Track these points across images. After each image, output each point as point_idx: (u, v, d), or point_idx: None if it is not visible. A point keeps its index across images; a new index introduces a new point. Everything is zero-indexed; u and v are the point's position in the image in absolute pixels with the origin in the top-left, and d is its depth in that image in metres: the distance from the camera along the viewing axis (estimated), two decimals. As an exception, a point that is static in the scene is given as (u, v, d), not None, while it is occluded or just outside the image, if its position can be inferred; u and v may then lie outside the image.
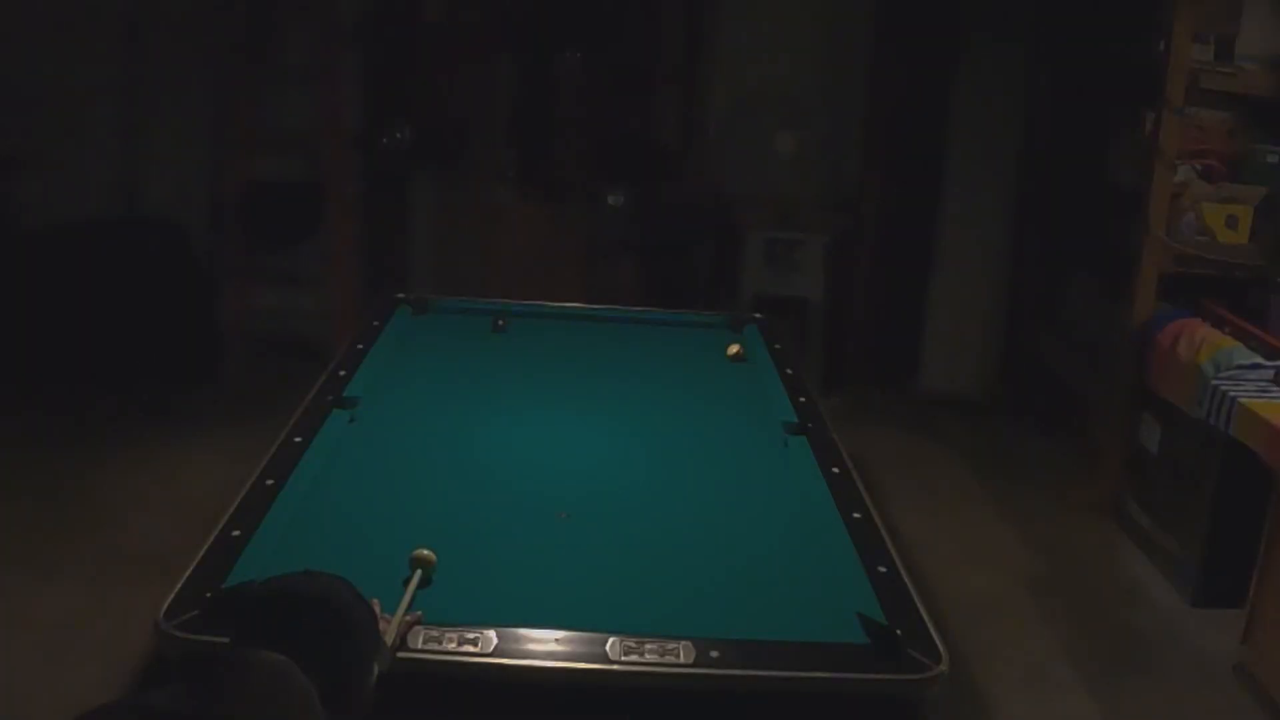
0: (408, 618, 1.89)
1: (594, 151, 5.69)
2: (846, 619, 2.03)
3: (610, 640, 1.89)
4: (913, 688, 1.89)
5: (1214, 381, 3.67)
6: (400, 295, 4.05)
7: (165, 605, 1.92)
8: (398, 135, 5.46)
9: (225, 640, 1.51)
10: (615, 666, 1.86)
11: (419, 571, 2.08)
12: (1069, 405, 5.08)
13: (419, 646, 1.86)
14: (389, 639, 1.78)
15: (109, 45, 5.15)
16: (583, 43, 5.62)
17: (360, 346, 3.45)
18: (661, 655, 1.87)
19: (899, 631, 1.97)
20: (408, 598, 1.97)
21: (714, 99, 5.68)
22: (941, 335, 5.67)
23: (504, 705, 1.90)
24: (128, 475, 4.21)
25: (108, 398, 4.81)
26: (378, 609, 1.83)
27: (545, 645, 1.90)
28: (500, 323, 3.82)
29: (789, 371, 3.46)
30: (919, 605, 2.09)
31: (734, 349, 3.65)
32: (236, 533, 2.21)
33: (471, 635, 1.89)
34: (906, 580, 2.19)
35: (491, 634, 1.89)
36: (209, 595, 1.95)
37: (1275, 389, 3.58)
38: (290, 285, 5.33)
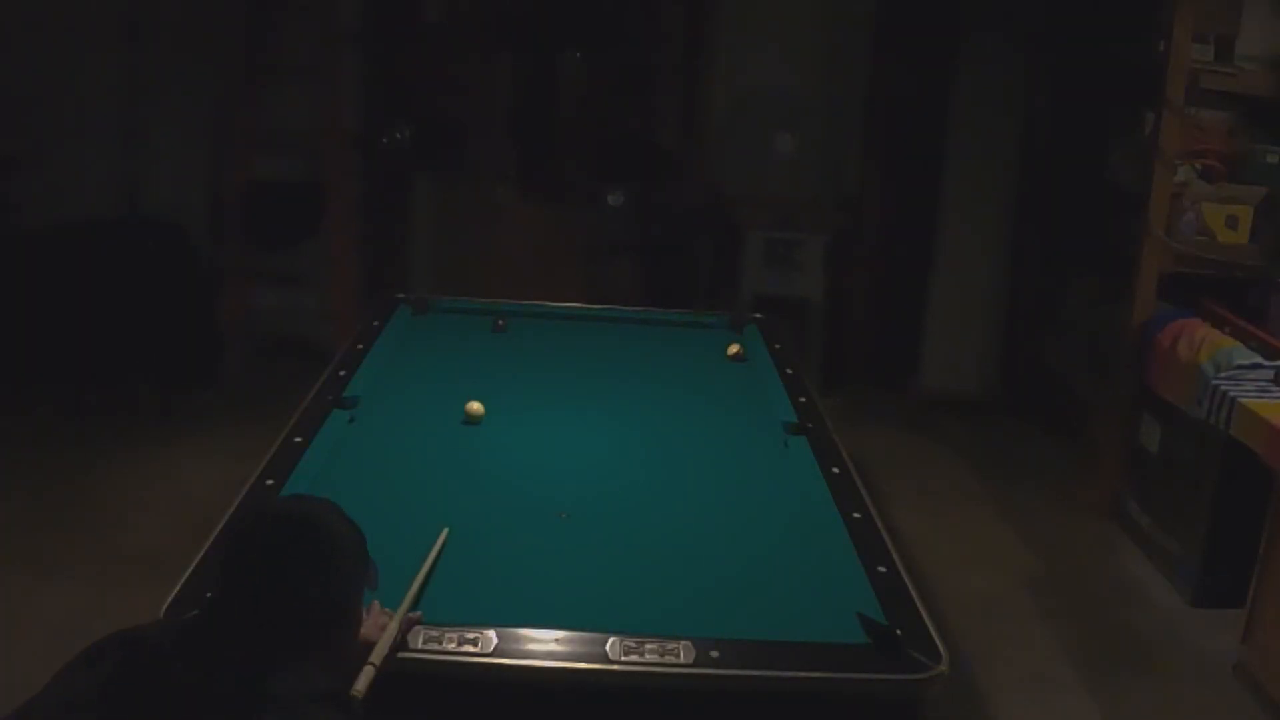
0: (411, 615, 1.88)
1: (594, 151, 5.69)
2: (846, 619, 2.03)
3: (610, 640, 1.89)
4: (913, 688, 1.89)
5: (1214, 381, 3.67)
6: (400, 295, 4.04)
7: (165, 605, 1.92)
8: (398, 135, 5.46)
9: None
10: (615, 666, 1.86)
11: (445, 531, 2.11)
12: (1069, 405, 5.08)
13: (419, 646, 1.86)
14: (394, 626, 1.78)
15: (109, 45, 5.15)
16: (583, 43, 5.63)
17: (360, 346, 3.45)
18: (661, 655, 1.87)
19: (899, 631, 1.97)
20: (434, 556, 2.01)
21: (714, 99, 5.68)
22: (941, 335, 5.67)
23: (504, 705, 1.90)
24: (128, 475, 4.21)
25: (108, 398, 4.82)
26: (376, 609, 1.83)
27: (545, 645, 1.90)
28: (500, 323, 3.82)
29: (789, 371, 3.46)
30: (919, 605, 2.09)
31: (734, 349, 3.65)
32: (236, 533, 2.21)
33: (471, 635, 1.89)
34: (906, 580, 2.19)
35: (491, 634, 1.89)
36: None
37: (1275, 389, 3.58)
38: (290, 285, 5.33)
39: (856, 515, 2.47)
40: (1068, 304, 5.35)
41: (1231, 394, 3.57)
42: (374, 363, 3.34)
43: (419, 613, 1.92)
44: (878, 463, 4.47)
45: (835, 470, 2.71)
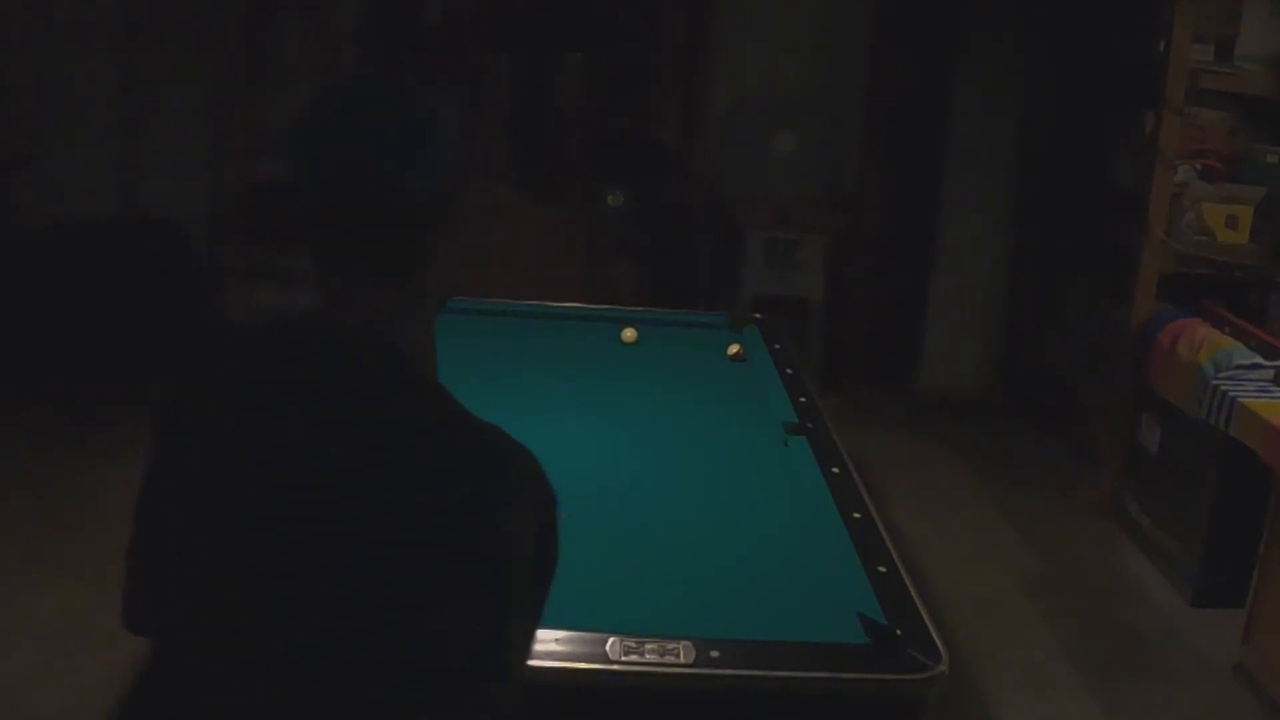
0: None
1: (594, 151, 5.69)
2: (846, 619, 2.03)
3: (610, 640, 1.89)
4: (913, 688, 1.89)
5: (1214, 381, 3.67)
6: (400, 295, 4.03)
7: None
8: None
9: None
10: (615, 666, 1.85)
11: None
12: (1069, 405, 5.08)
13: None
14: None
15: (109, 45, 5.15)
16: (582, 42, 5.62)
17: (360, 346, 3.44)
18: (661, 655, 1.87)
19: (899, 631, 1.97)
20: None
21: (714, 99, 5.68)
22: (941, 335, 5.67)
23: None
24: (128, 475, 4.19)
25: (108, 398, 4.81)
26: None
27: (545, 645, 1.89)
28: None
29: (789, 371, 3.45)
30: (919, 605, 2.09)
31: (734, 349, 3.65)
32: (236, 533, 2.21)
33: (471, 635, 1.88)
34: (906, 580, 2.19)
35: (491, 634, 1.89)
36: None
37: (1275, 389, 3.58)
38: (290, 285, 5.32)
39: (856, 515, 2.46)
40: (1068, 304, 5.34)
41: (1231, 394, 3.57)
42: (374, 363, 3.33)
43: None
44: (878, 463, 4.47)
45: (835, 470, 2.71)
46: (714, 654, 1.87)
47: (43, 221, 5.07)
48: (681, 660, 1.86)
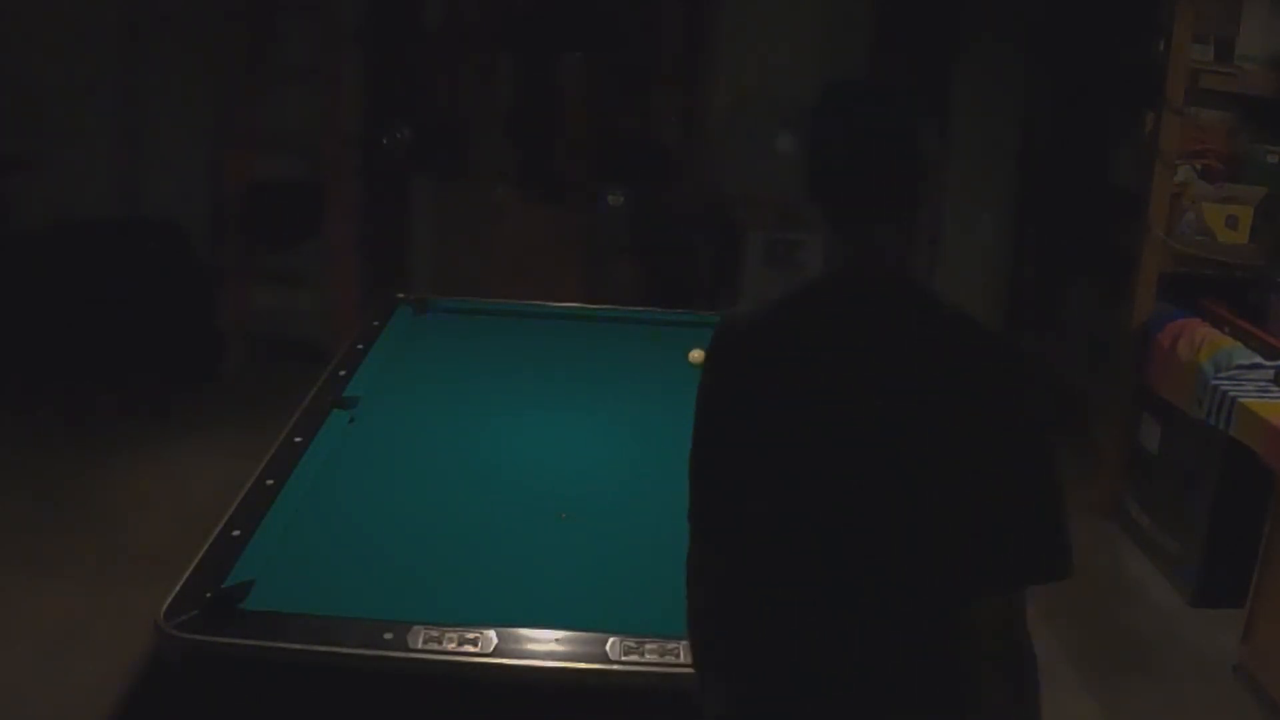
0: None
1: (594, 151, 5.69)
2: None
3: (610, 640, 1.90)
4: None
5: (1214, 381, 3.67)
6: (400, 295, 4.05)
7: (165, 605, 1.92)
8: (398, 135, 5.46)
9: None
10: (615, 666, 1.86)
11: None
12: (1069, 405, 5.08)
13: (419, 646, 1.86)
14: None
15: (109, 45, 5.15)
16: (583, 43, 5.62)
17: (360, 346, 3.45)
18: (661, 655, 1.87)
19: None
20: None
21: (714, 99, 5.68)
22: (941, 335, 5.66)
23: (504, 705, 1.90)
24: (128, 475, 4.21)
25: (108, 397, 4.81)
26: None
27: (545, 645, 1.90)
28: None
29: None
30: (919, 605, 2.08)
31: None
32: (236, 533, 2.21)
33: (471, 635, 1.89)
34: (906, 580, 2.18)
35: (491, 634, 1.89)
36: (209, 595, 1.95)
37: (1275, 389, 3.58)
38: (290, 285, 5.33)
39: (856, 515, 2.46)
40: (1068, 304, 5.34)
41: (1231, 394, 3.57)
42: (374, 363, 3.34)
43: None
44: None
45: (835, 470, 2.70)
46: (714, 654, 1.87)
47: (43, 221, 5.08)
48: (681, 660, 1.87)
